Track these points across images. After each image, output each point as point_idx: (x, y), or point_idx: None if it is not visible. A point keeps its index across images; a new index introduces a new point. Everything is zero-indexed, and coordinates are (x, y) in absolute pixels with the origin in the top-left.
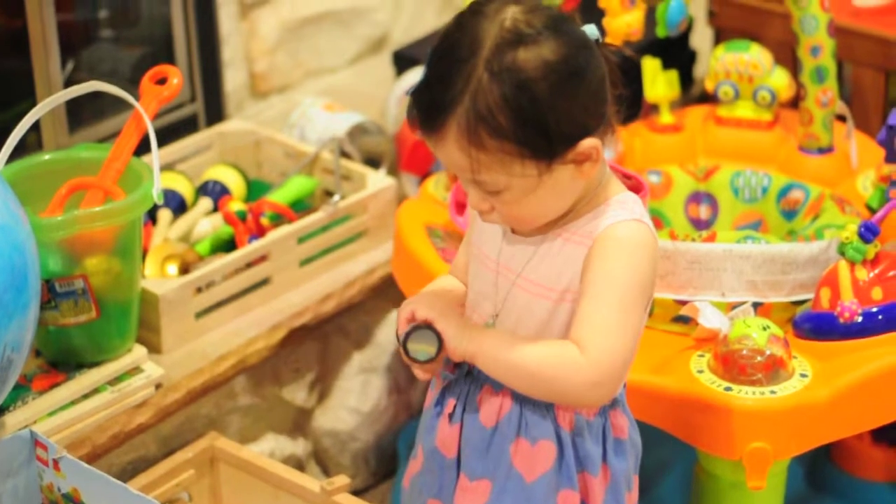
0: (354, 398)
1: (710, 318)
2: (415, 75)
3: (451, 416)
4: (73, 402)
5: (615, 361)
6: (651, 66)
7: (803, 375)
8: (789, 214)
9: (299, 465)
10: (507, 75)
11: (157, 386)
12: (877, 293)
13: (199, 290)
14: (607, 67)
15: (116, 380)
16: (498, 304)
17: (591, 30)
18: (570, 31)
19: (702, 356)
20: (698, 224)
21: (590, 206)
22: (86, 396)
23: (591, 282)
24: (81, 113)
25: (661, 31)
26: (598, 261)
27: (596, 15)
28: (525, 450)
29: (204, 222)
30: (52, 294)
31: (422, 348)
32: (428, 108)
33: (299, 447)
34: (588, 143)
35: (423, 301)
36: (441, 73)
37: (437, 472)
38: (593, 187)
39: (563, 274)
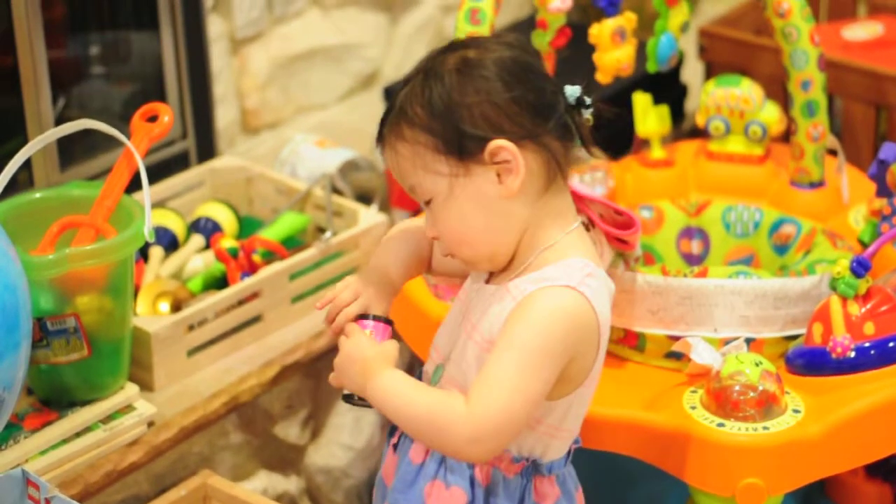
0: (347, 434)
1: (702, 354)
2: None
3: (395, 446)
4: (65, 441)
5: (497, 420)
6: (642, 101)
7: (796, 411)
8: (781, 249)
9: (292, 503)
10: (428, 72)
11: (150, 424)
12: (869, 328)
13: (191, 327)
14: (573, 124)
15: (108, 418)
16: (452, 347)
17: (572, 89)
18: (524, 56)
19: (694, 392)
20: (690, 259)
21: (539, 264)
22: (78, 435)
23: (499, 340)
24: (73, 150)
25: (651, 66)
26: (511, 320)
27: (587, 50)
28: (438, 492)
29: (196, 259)
30: (43, 332)
31: None
32: (379, 123)
33: (292, 484)
34: (499, 143)
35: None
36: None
37: (379, 500)
38: (541, 240)
39: (493, 325)
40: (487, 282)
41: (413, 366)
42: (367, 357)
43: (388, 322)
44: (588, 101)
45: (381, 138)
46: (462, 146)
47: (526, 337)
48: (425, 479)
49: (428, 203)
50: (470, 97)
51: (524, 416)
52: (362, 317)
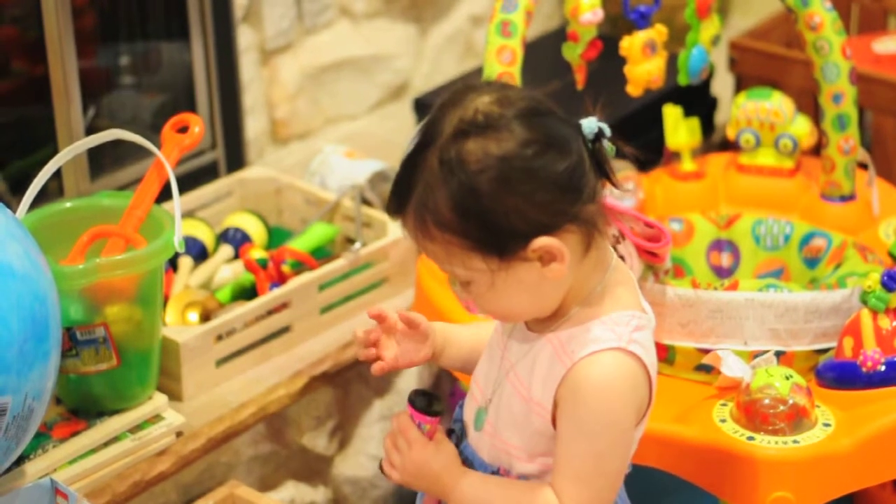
0: (375, 445)
1: (732, 367)
2: None
3: None
4: (93, 450)
5: None
6: (672, 114)
7: (826, 425)
8: (811, 262)
9: None
10: (452, 166)
11: (178, 434)
12: None
13: (219, 337)
14: (596, 163)
15: (137, 428)
16: (494, 389)
17: (589, 123)
18: (537, 126)
19: (724, 405)
20: (720, 272)
21: (584, 316)
22: (106, 444)
23: (564, 426)
24: (103, 160)
25: (682, 79)
26: (570, 402)
27: (618, 62)
28: None
29: (225, 269)
30: (73, 342)
31: None
32: (392, 195)
33: (319, 495)
34: (542, 242)
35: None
36: (406, 160)
37: None
38: (586, 291)
39: (541, 386)
40: (527, 325)
41: (440, 379)
42: (437, 471)
43: (436, 413)
44: (607, 130)
45: (399, 216)
46: (502, 248)
47: (593, 422)
48: None
49: (466, 284)
50: (505, 201)
51: (616, 492)
52: (414, 406)
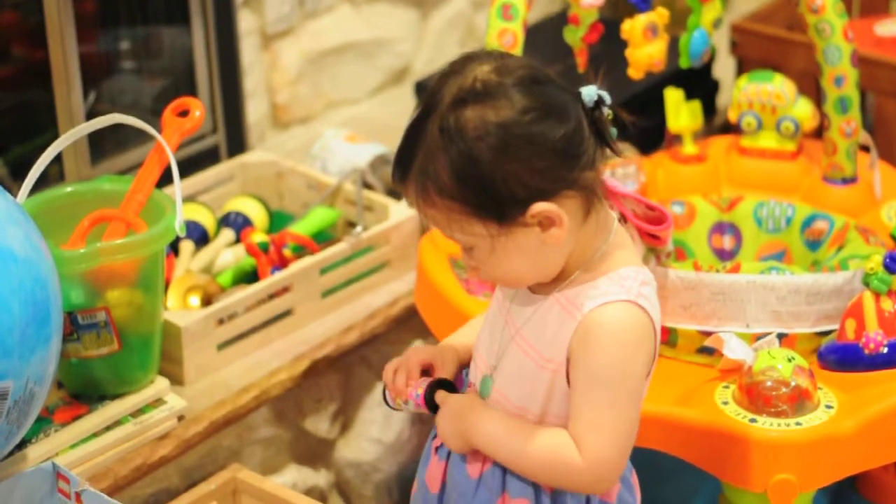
0: (377, 429)
1: (734, 350)
2: None
3: (438, 449)
4: (95, 435)
5: (611, 459)
6: (674, 97)
7: (829, 407)
8: (813, 245)
9: (322, 497)
10: (451, 134)
11: (180, 418)
12: None
13: (221, 321)
14: (595, 130)
15: (139, 412)
16: (499, 355)
17: (588, 91)
18: (535, 93)
19: (726, 387)
20: (722, 254)
21: (589, 276)
22: (108, 428)
23: (579, 376)
24: (103, 144)
25: (684, 62)
26: (583, 352)
27: (619, 46)
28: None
29: (226, 253)
30: (74, 326)
31: None
32: (395, 163)
33: (322, 478)
34: (540, 208)
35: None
36: (408, 129)
37: None
38: (588, 254)
39: (552, 343)
40: (531, 288)
41: None
42: (460, 406)
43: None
44: (606, 98)
45: (401, 184)
46: (501, 213)
47: (605, 371)
48: (492, 494)
49: (469, 250)
50: (503, 167)
51: (633, 441)
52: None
